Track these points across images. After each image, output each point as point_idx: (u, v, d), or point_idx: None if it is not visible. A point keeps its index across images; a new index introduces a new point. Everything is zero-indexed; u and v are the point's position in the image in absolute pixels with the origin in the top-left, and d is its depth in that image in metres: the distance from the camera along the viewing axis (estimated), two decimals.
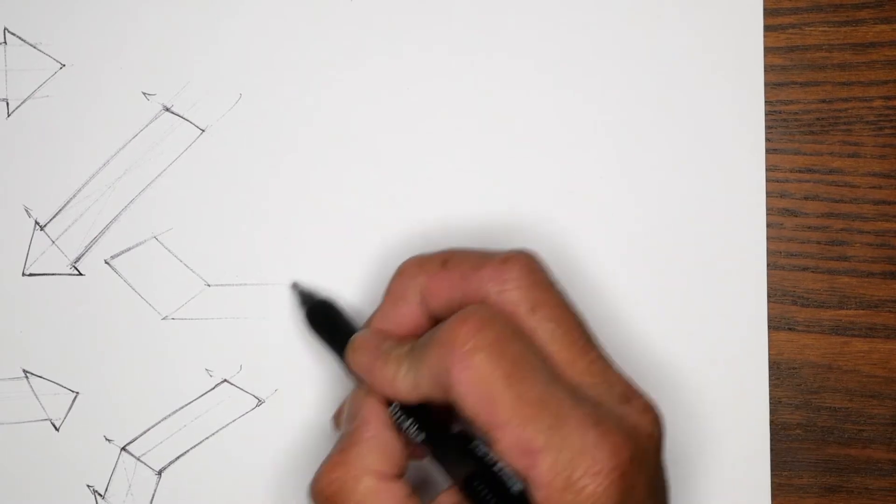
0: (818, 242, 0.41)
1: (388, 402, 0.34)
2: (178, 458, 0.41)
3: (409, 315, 0.35)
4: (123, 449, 0.41)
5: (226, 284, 0.41)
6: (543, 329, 0.32)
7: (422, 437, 0.33)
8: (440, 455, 0.33)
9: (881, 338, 0.41)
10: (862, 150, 0.41)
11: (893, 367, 0.41)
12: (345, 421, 0.35)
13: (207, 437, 0.41)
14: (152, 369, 0.41)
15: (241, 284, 0.41)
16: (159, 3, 0.42)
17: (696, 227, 0.41)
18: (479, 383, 0.31)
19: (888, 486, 0.41)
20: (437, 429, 0.33)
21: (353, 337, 0.35)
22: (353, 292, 0.41)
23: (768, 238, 0.41)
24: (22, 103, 0.42)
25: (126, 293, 0.42)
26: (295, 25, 0.42)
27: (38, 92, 0.42)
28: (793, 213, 0.41)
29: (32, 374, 0.41)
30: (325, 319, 0.38)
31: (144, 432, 0.41)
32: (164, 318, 0.41)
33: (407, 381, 0.33)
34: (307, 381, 0.41)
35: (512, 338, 0.31)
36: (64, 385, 0.41)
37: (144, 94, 0.42)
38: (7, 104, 0.42)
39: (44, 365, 0.41)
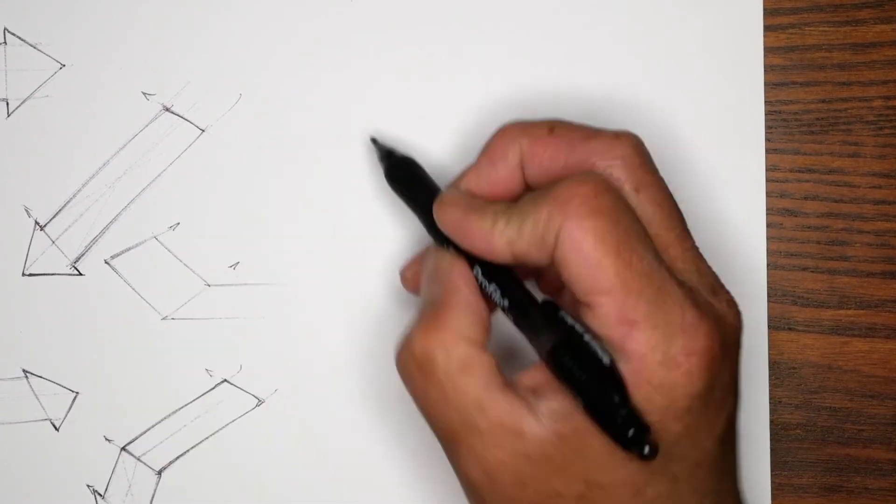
0: (818, 242, 0.41)
1: (469, 262, 0.33)
2: (178, 458, 0.41)
3: (505, 176, 0.34)
4: (123, 449, 0.41)
5: (226, 284, 0.41)
6: (644, 210, 0.32)
7: (506, 302, 0.32)
8: (523, 323, 0.32)
9: (881, 338, 0.41)
10: (862, 150, 0.41)
11: (893, 367, 0.41)
12: (428, 285, 0.34)
13: (207, 437, 0.41)
14: (152, 369, 0.41)
15: (241, 284, 0.41)
16: (159, 3, 0.42)
17: (696, 226, 0.41)
18: (591, 244, 0.30)
19: (888, 486, 0.41)
20: (524, 294, 0.32)
21: (441, 193, 0.34)
22: (352, 290, 0.41)
23: (768, 238, 0.41)
24: (22, 103, 0.42)
25: (126, 293, 0.42)
26: (295, 25, 0.42)
27: (38, 92, 0.42)
28: (793, 213, 0.41)
29: (32, 374, 0.41)
30: (407, 176, 0.37)
31: (144, 432, 0.41)
32: (164, 318, 0.41)
33: (503, 237, 0.32)
34: (307, 381, 0.41)
35: (626, 209, 0.31)
36: (64, 385, 0.41)
37: (144, 94, 0.42)
38: (7, 104, 0.42)
39: (44, 365, 0.41)
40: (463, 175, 0.35)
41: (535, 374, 0.32)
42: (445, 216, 0.34)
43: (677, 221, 0.33)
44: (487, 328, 0.33)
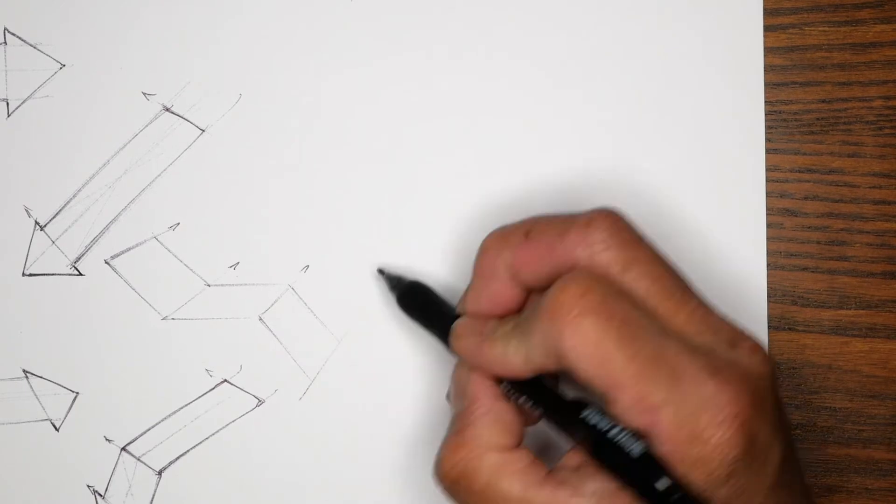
0: (818, 242, 0.41)
1: (496, 378, 0.34)
2: (178, 458, 0.41)
3: (502, 292, 0.35)
4: (123, 449, 0.41)
5: (226, 284, 0.41)
6: (639, 287, 0.32)
7: (539, 410, 0.33)
8: (558, 427, 0.33)
9: (881, 338, 0.41)
10: (862, 150, 0.41)
11: (893, 367, 0.41)
12: (453, 401, 0.35)
13: (207, 437, 0.41)
14: (152, 369, 0.41)
15: (241, 284, 0.41)
16: (159, 3, 0.42)
17: (696, 227, 0.41)
18: (592, 347, 0.31)
19: (888, 486, 0.41)
20: (551, 399, 0.33)
21: (453, 326, 0.35)
22: (352, 290, 0.41)
23: (768, 238, 0.41)
24: (22, 103, 0.42)
25: (126, 293, 0.42)
26: (295, 25, 0.42)
27: (38, 92, 0.42)
28: (793, 213, 0.41)
29: (32, 374, 0.41)
30: (418, 302, 0.38)
31: (144, 432, 0.41)
32: (164, 318, 0.41)
33: (518, 357, 0.33)
34: (307, 381, 0.41)
35: (616, 298, 0.31)
36: (64, 385, 0.41)
37: (144, 94, 0.42)
38: (7, 104, 0.42)
39: (44, 365, 0.41)
40: (465, 297, 0.36)
41: (575, 455, 0.33)
42: (461, 349, 0.35)
43: (675, 287, 0.33)
44: (516, 430, 0.34)
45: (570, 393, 0.34)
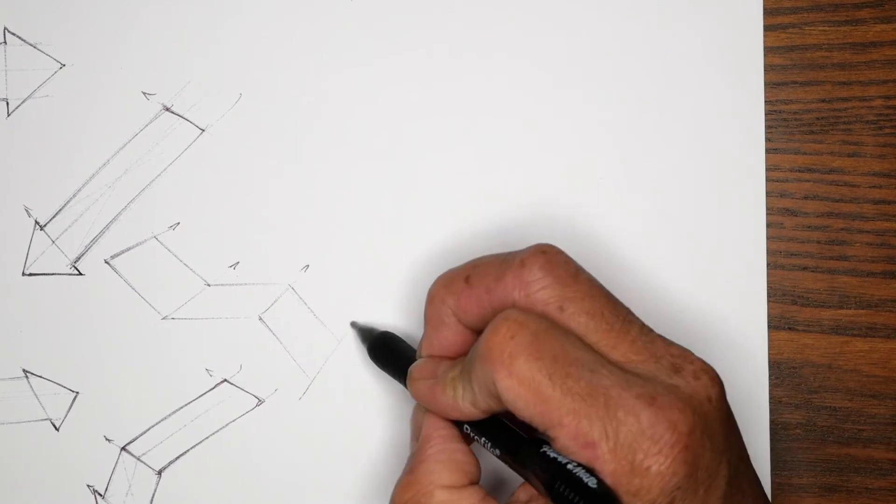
0: (818, 242, 0.41)
1: (454, 420, 0.35)
2: (178, 458, 0.41)
3: (451, 337, 0.35)
4: (123, 449, 0.41)
5: (226, 284, 0.41)
6: (577, 323, 0.32)
7: (497, 451, 0.34)
8: (516, 466, 0.33)
9: (881, 338, 0.41)
10: (862, 149, 0.41)
11: (893, 367, 0.41)
12: (410, 441, 0.36)
13: (207, 437, 0.41)
14: (152, 369, 0.41)
15: (241, 284, 0.41)
16: (159, 3, 0.42)
17: (697, 227, 0.41)
18: (524, 387, 0.31)
19: (888, 486, 0.41)
20: (508, 439, 0.34)
21: (410, 369, 0.36)
22: (352, 290, 0.41)
23: (768, 238, 0.41)
24: (22, 103, 0.42)
25: (126, 293, 0.42)
26: (295, 25, 0.42)
27: (38, 92, 0.42)
28: (793, 213, 0.41)
29: (32, 374, 0.41)
30: (385, 351, 0.39)
31: (144, 432, 0.41)
32: (164, 318, 0.41)
33: (466, 401, 0.33)
34: (307, 381, 0.41)
35: (547, 335, 0.32)
36: (64, 385, 0.41)
37: (144, 94, 0.42)
38: (7, 104, 0.42)
39: (44, 365, 0.41)
40: (420, 343, 0.36)
41: (523, 493, 0.33)
42: (416, 392, 0.35)
43: (613, 319, 0.33)
44: (467, 469, 0.34)
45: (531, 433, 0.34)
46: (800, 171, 0.41)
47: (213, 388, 0.41)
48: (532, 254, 0.33)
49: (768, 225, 0.41)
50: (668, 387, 0.31)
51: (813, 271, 0.41)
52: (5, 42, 0.42)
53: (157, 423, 0.41)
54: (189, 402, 0.41)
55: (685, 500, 0.30)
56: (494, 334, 0.32)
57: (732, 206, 0.41)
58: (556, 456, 0.31)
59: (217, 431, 0.41)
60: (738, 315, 0.41)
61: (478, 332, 0.34)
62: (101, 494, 0.41)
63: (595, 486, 0.30)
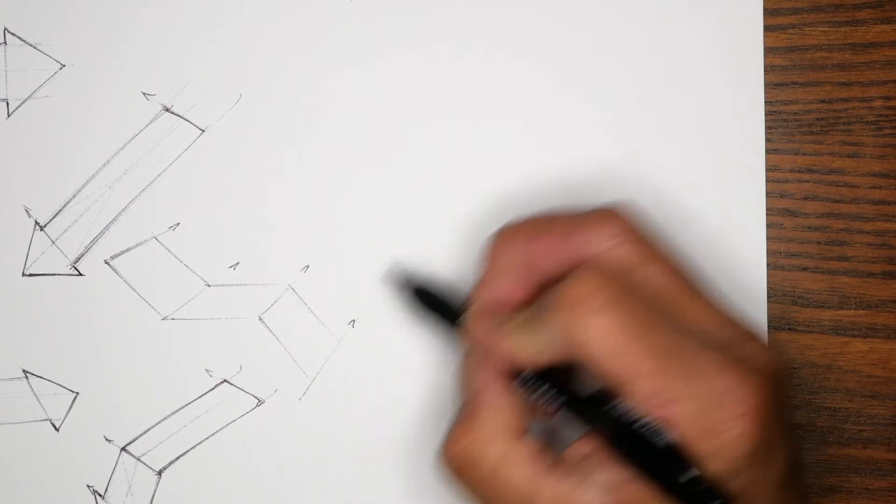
0: (818, 242, 0.41)
1: (508, 371, 0.34)
2: (178, 458, 0.41)
3: (513, 283, 0.35)
4: (123, 449, 0.41)
5: (226, 284, 0.41)
6: (655, 282, 0.32)
7: (560, 401, 0.33)
8: (578, 420, 0.33)
9: (881, 338, 0.41)
10: (862, 150, 0.41)
11: (893, 367, 0.41)
12: (461, 389, 0.35)
13: (207, 437, 0.41)
14: (152, 369, 0.41)
15: (241, 284, 0.41)
16: (159, 3, 0.42)
17: (696, 227, 0.41)
18: (611, 339, 0.31)
19: (888, 486, 0.41)
20: (571, 391, 0.33)
21: (469, 311, 0.35)
22: (352, 290, 0.41)
23: (768, 238, 0.41)
24: (22, 103, 0.42)
25: (126, 293, 0.42)
26: (295, 25, 0.42)
27: (38, 92, 0.42)
28: (793, 213, 0.41)
29: (32, 374, 0.41)
30: (430, 298, 0.38)
31: (144, 432, 0.41)
32: (164, 318, 0.41)
33: (532, 348, 0.33)
34: (307, 381, 0.41)
35: (633, 291, 0.32)
36: (64, 385, 0.41)
37: (144, 94, 0.42)
38: (7, 104, 0.42)
39: (44, 365, 0.41)
40: (476, 289, 0.35)
41: (584, 445, 0.33)
42: (477, 336, 0.35)
43: (690, 283, 0.33)
44: (523, 419, 0.33)
45: (590, 389, 0.34)
46: (800, 171, 0.41)
47: (213, 388, 0.41)
48: (615, 209, 0.33)
49: (768, 225, 0.41)
50: (743, 355, 0.32)
51: (813, 272, 0.41)
52: (5, 42, 0.42)
53: (157, 424, 0.41)
54: (189, 403, 0.41)
55: (755, 469, 0.31)
56: (581, 283, 0.31)
57: (732, 206, 0.41)
58: (624, 412, 0.31)
59: (217, 432, 0.41)
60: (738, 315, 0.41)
61: (541, 283, 0.34)
62: (101, 495, 0.41)
63: (664, 445, 0.30)
